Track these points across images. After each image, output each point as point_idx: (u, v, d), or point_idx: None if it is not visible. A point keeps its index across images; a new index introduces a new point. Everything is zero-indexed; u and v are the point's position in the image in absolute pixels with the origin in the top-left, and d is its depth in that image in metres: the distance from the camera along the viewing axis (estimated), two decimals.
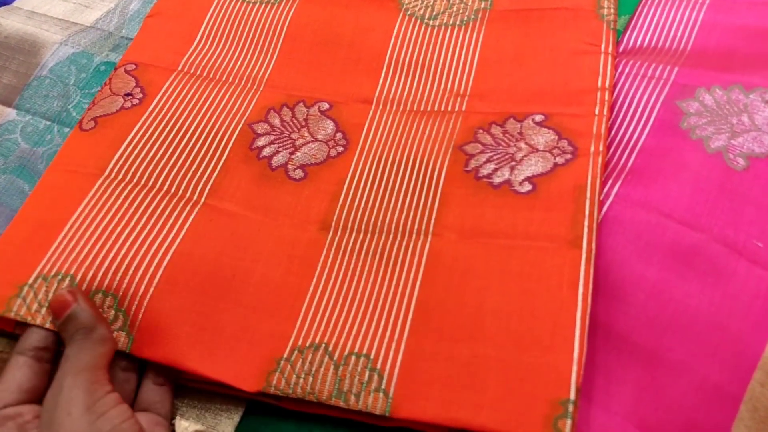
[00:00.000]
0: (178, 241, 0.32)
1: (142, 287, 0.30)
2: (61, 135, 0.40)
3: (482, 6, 0.42)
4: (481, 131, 0.35)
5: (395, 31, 0.41)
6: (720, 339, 0.28)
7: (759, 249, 0.29)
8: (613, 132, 0.34)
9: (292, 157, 0.36)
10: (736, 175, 0.31)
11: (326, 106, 0.38)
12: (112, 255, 0.32)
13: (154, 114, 0.38)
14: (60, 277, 0.31)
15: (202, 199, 0.34)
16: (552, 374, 0.26)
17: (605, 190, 0.32)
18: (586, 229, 0.29)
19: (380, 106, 0.38)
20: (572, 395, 0.25)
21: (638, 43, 0.39)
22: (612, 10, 0.39)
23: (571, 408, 0.25)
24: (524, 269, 0.29)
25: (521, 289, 0.28)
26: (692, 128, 0.33)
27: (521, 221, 0.31)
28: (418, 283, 0.30)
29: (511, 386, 0.26)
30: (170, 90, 0.39)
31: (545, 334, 0.27)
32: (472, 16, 0.41)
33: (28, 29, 0.44)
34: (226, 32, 0.42)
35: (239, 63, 0.41)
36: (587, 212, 0.30)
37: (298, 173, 0.35)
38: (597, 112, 0.34)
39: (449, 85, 0.38)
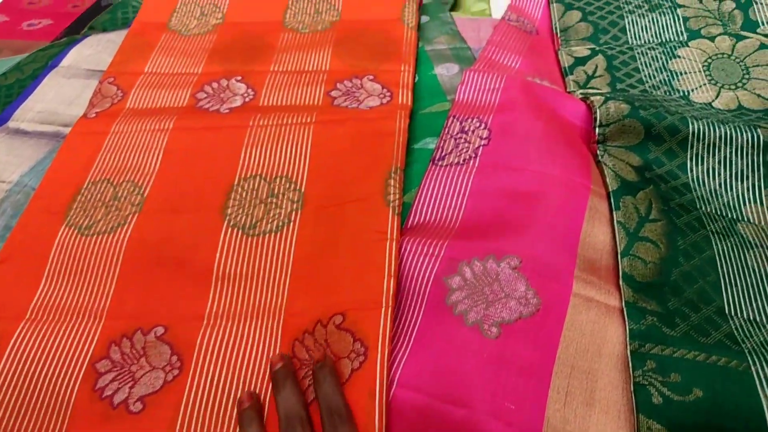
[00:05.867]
0: None
1: None
2: None
3: (294, 207, 0.46)
4: (297, 342, 0.39)
5: (220, 243, 0.45)
6: None
7: (512, 410, 0.35)
8: (396, 318, 0.39)
9: (132, 391, 0.39)
10: (490, 344, 0.37)
11: (161, 330, 0.41)
12: None
13: (6, 369, 0.39)
14: None
15: None
16: None
17: (391, 377, 0.36)
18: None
19: (210, 322, 0.41)
20: None
21: (421, 218, 0.46)
22: (397, 195, 0.45)
23: None
24: None
25: None
26: (455, 304, 0.39)
27: None
28: None
29: None
30: (19, 341, 0.41)
31: None
32: (286, 220, 0.46)
33: None
34: (68, 270, 0.45)
35: (81, 299, 0.43)
36: (377, 415, 0.33)
37: (137, 406, 0.38)
38: (384, 302, 0.38)
39: (269, 296, 0.42)
